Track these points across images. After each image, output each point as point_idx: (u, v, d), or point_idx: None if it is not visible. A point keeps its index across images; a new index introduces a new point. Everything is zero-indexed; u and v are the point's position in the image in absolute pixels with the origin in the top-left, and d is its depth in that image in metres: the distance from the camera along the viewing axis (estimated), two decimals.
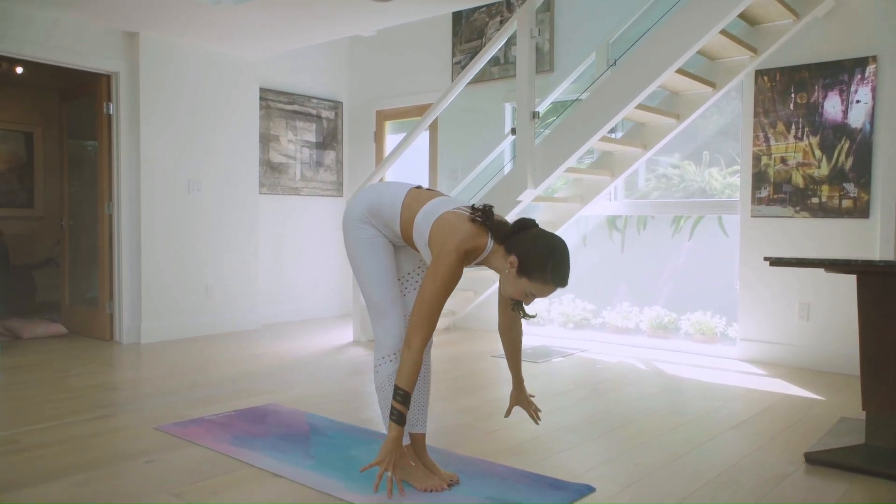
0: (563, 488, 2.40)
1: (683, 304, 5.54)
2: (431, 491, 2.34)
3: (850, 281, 4.40)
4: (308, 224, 6.72)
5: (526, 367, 4.61)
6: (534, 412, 2.57)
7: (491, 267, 2.32)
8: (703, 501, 2.32)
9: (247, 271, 5.98)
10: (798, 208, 4.56)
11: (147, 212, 5.31)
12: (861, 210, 4.33)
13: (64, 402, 3.53)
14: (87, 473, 2.52)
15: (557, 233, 5.71)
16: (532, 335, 5.82)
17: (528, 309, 2.36)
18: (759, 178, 4.71)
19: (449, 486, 2.39)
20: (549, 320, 6.05)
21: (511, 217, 4.98)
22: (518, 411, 2.82)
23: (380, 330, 2.41)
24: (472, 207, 2.29)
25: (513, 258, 2.20)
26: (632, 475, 2.56)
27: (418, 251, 2.53)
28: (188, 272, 5.58)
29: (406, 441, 2.44)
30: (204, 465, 2.61)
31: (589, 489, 2.40)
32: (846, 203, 4.39)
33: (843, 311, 4.39)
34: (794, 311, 4.58)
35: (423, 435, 2.53)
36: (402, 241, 2.43)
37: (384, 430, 2.99)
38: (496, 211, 2.33)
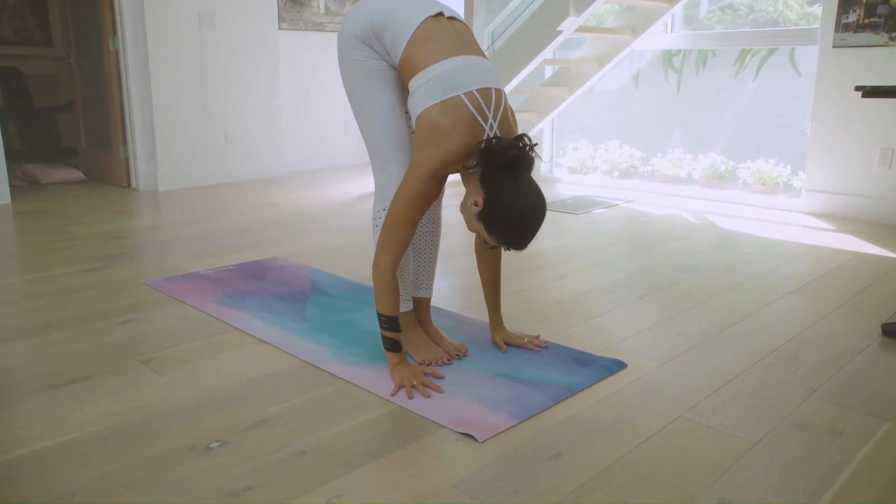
0: (589, 363, 2.05)
1: (743, 151, 4.97)
2: (430, 364, 2.03)
3: None
4: (334, 63, 6.18)
5: (564, 219, 4.22)
6: (532, 343, 2.17)
7: (463, 182, 1.86)
8: (756, 380, 1.96)
9: (269, 115, 5.56)
10: (894, 34, 3.83)
11: (155, 48, 4.86)
12: None
13: (59, 252, 3.30)
14: (54, 334, 2.28)
15: (605, 69, 5.10)
16: (573, 184, 5.36)
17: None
18: (847, 0, 3.95)
19: (451, 359, 2.07)
20: (592, 168, 5.56)
21: (550, 50, 4.37)
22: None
23: (381, 176, 2.00)
24: (488, 141, 1.77)
25: (479, 199, 1.77)
26: (672, 348, 2.20)
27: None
28: (205, 115, 5.19)
29: (408, 307, 2.11)
30: (184, 326, 2.34)
31: (619, 365, 2.05)
32: None
33: None
34: (875, 157, 3.98)
35: (429, 300, 2.18)
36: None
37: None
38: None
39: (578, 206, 4.47)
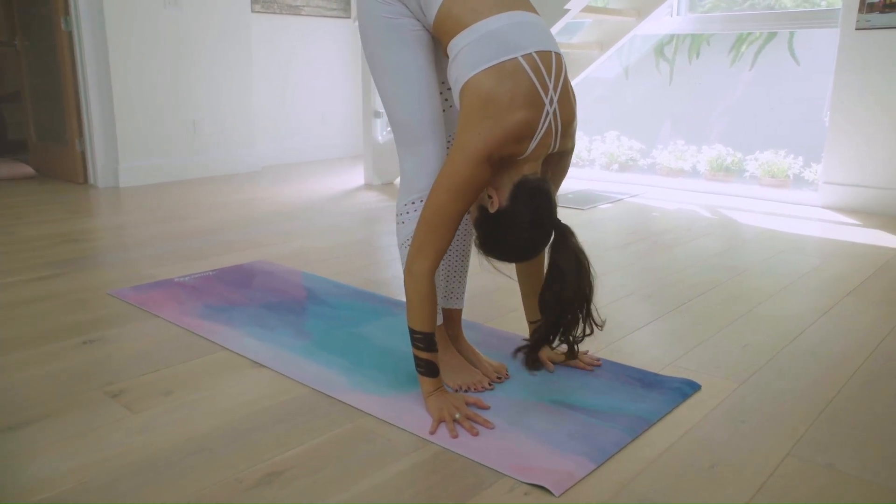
0: (656, 385, 1.71)
1: (747, 142, 4.71)
2: (468, 390, 1.67)
3: None
4: (312, 50, 5.76)
5: (570, 215, 3.88)
6: (583, 360, 1.82)
7: (500, 159, 1.49)
8: (857, 402, 1.64)
9: (242, 105, 5.12)
10: None
11: (114, 29, 4.39)
12: None
13: (5, 258, 2.85)
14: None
15: (608, 54, 4.78)
16: (570, 178, 5.04)
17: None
18: None
19: (492, 383, 1.71)
20: (589, 161, 5.25)
21: (554, 31, 4.03)
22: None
23: (410, 162, 1.63)
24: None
25: (498, 199, 1.47)
26: (743, 363, 1.87)
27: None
28: (171, 105, 4.74)
29: (439, 321, 1.74)
30: (161, 347, 1.94)
31: (693, 387, 1.71)
32: None
33: None
34: None
35: (460, 311, 1.82)
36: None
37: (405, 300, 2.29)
38: None
39: (582, 200, 4.15)
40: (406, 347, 1.93)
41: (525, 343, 1.60)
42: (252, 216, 3.67)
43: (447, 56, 1.53)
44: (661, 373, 1.80)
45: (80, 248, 3.01)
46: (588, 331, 1.53)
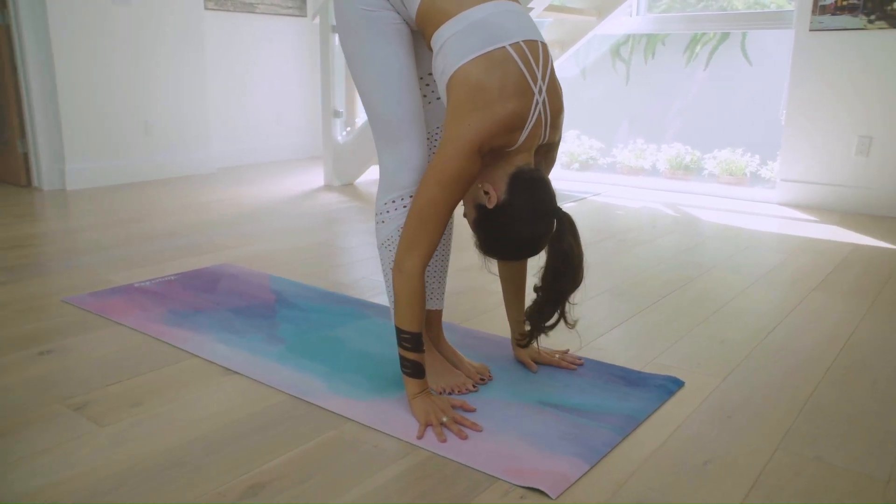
0: (639, 383, 1.70)
1: (701, 141, 4.79)
2: (452, 393, 1.63)
3: None
4: (267, 49, 5.64)
5: None
6: (565, 360, 1.80)
7: (491, 151, 1.46)
8: (837, 396, 1.65)
9: (196, 105, 4.98)
10: (873, 17, 3.68)
11: (58, 24, 4.21)
12: None
13: None
14: None
15: (567, 54, 4.80)
16: None
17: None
18: None
19: (476, 385, 1.68)
20: None
21: None
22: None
23: (390, 159, 1.58)
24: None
25: (494, 192, 1.44)
26: (722, 359, 1.87)
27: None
28: (121, 104, 4.57)
29: None
30: (125, 355, 1.85)
31: (676, 383, 1.70)
32: None
33: None
34: (852, 145, 3.83)
35: (440, 312, 1.78)
36: (416, 27, 1.55)
37: (383, 303, 2.24)
38: None
39: None
40: (383, 350, 1.88)
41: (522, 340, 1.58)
42: (211, 219, 3.56)
43: (430, 49, 1.49)
44: (642, 370, 1.79)
45: (28, 254, 2.87)
46: (557, 323, 1.52)
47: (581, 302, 2.32)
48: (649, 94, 5.04)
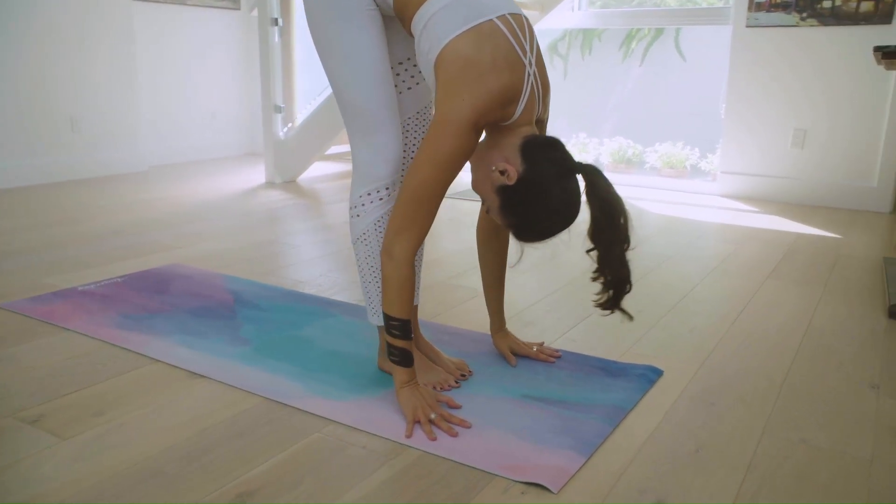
0: (620, 373, 1.69)
1: (643, 135, 4.88)
2: (435, 389, 1.58)
3: (856, 102, 3.82)
4: (199, 42, 5.44)
5: (475, 209, 3.81)
6: (543, 352, 1.78)
7: (487, 132, 1.46)
8: (809, 378, 1.69)
9: (124, 100, 4.75)
10: (805, 14, 3.82)
11: None
12: (883, 14, 3.64)
13: None
14: None
15: None
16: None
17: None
18: None
19: (458, 381, 1.64)
20: None
21: None
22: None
23: (365, 151, 1.52)
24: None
25: (512, 169, 1.37)
26: (695, 346, 1.89)
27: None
28: (43, 100, 4.31)
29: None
30: (78, 363, 1.73)
31: (656, 372, 1.71)
32: (866, 6, 3.68)
33: (843, 136, 3.81)
34: (788, 138, 3.97)
35: (416, 308, 1.73)
36: (392, 12, 1.50)
37: (347, 301, 2.18)
38: None
39: None
40: (356, 349, 1.82)
41: (601, 300, 1.47)
42: (150, 218, 3.40)
43: (411, 33, 1.44)
44: (619, 360, 1.79)
45: None
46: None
47: (548, 294, 2.31)
48: (587, 90, 5.10)
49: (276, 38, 4.30)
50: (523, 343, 1.78)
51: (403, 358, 1.45)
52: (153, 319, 1.99)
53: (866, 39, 3.71)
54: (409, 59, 1.63)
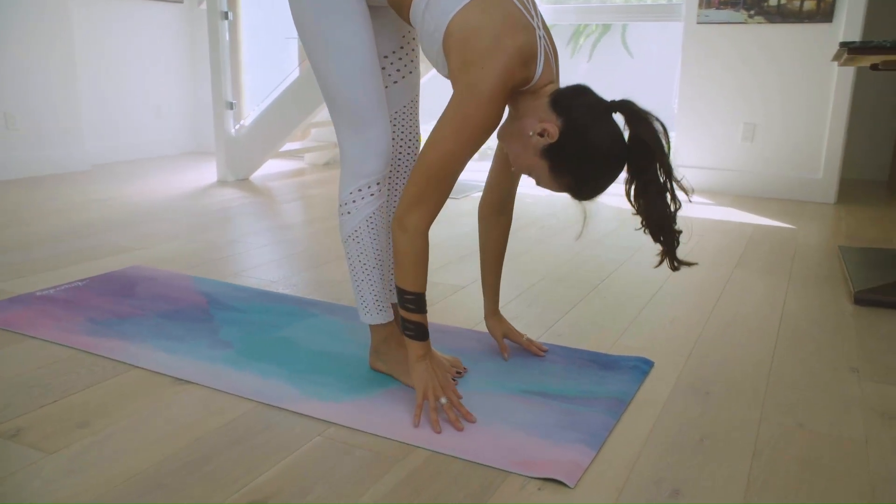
0: (613, 366, 1.70)
1: None
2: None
3: (801, 96, 3.96)
4: (142, 35, 5.24)
5: (448, 205, 3.82)
6: (533, 345, 1.76)
7: (511, 105, 1.44)
8: (794, 364, 1.73)
9: (64, 96, 4.54)
10: (752, 12, 3.93)
11: None
12: (825, 13, 3.78)
13: None
14: None
15: None
16: None
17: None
18: None
19: (455, 379, 1.61)
20: None
21: None
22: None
23: (354, 146, 1.48)
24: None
25: (553, 128, 1.33)
26: (680, 336, 1.92)
27: (410, 28, 1.61)
28: None
29: (389, 317, 1.61)
30: (50, 372, 1.63)
31: (647, 364, 1.72)
32: (809, 5, 3.81)
33: (790, 130, 3.95)
34: (738, 132, 4.08)
35: None
36: (385, 1, 1.46)
37: (325, 300, 2.13)
38: None
39: (455, 190, 4.12)
40: (344, 349, 1.77)
41: (661, 259, 1.42)
42: (102, 219, 3.25)
43: (408, 20, 1.41)
44: (608, 353, 1.80)
45: None
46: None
47: (526, 289, 2.31)
48: None
49: (227, 33, 4.18)
50: (515, 330, 1.77)
51: (419, 332, 1.43)
52: (124, 324, 1.90)
53: (810, 36, 3.84)
54: (394, 52, 1.60)
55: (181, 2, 5.51)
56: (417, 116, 1.69)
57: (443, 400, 1.40)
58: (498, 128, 1.42)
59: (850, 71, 3.77)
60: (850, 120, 4.30)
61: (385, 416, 1.43)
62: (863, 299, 2.21)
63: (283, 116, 4.24)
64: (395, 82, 1.62)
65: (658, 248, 1.43)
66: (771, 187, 4.06)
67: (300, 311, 2.03)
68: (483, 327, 1.92)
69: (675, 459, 1.31)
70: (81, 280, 2.28)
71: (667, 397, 1.56)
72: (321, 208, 3.56)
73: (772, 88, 3.96)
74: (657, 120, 1.34)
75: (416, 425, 1.38)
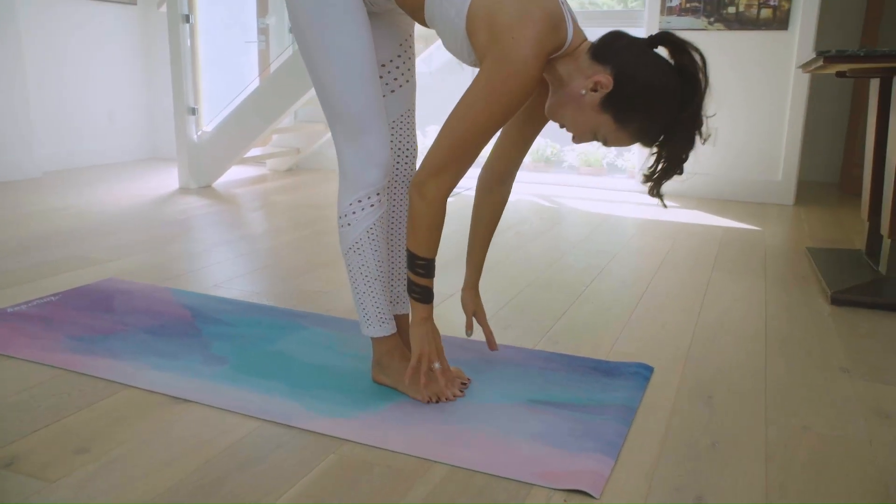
0: (614, 373, 1.71)
1: (560, 134, 4.98)
2: (439, 401, 1.54)
3: (760, 101, 4.08)
4: (93, 40, 5.07)
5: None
6: (492, 339, 1.73)
7: (550, 77, 1.41)
8: (787, 366, 1.77)
9: (12, 101, 4.35)
10: (713, 19, 4.03)
11: None
12: (780, 21, 3.90)
13: None
14: None
15: (428, 51, 4.77)
16: None
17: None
18: None
19: (461, 390, 1.60)
20: None
21: None
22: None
23: (353, 155, 1.45)
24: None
25: (605, 77, 1.30)
26: (670, 340, 1.94)
27: (407, 35, 1.58)
28: None
29: (393, 329, 1.58)
30: (36, 394, 1.55)
31: (648, 369, 1.73)
32: (765, 13, 3.92)
33: (750, 134, 4.06)
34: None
35: (407, 317, 1.67)
36: (393, 4, 1.44)
37: (315, 311, 2.09)
38: None
39: None
40: (342, 363, 1.74)
41: (648, 171, 1.41)
42: (64, 229, 3.13)
43: (423, 20, 1.39)
44: (607, 359, 1.80)
45: None
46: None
47: (514, 296, 2.30)
48: None
49: (188, 37, 4.07)
50: (484, 314, 1.73)
51: (424, 295, 1.45)
52: (109, 341, 1.82)
53: (768, 43, 3.95)
54: (391, 60, 1.58)
55: (135, 3, 5.36)
56: (414, 125, 1.67)
57: (436, 365, 1.45)
58: (546, 106, 1.42)
59: (806, 77, 3.89)
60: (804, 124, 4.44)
61: (399, 432, 1.40)
62: (839, 300, 2.27)
63: (247, 122, 4.15)
64: (393, 91, 1.59)
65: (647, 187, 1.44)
66: (732, 190, 4.16)
67: (290, 324, 1.98)
68: (473, 337, 1.91)
69: (692, 466, 1.32)
70: (54, 294, 2.18)
71: (672, 403, 1.57)
72: (289, 217, 3.50)
73: (732, 93, 4.06)
74: (696, 50, 1.32)
75: (407, 382, 1.47)
